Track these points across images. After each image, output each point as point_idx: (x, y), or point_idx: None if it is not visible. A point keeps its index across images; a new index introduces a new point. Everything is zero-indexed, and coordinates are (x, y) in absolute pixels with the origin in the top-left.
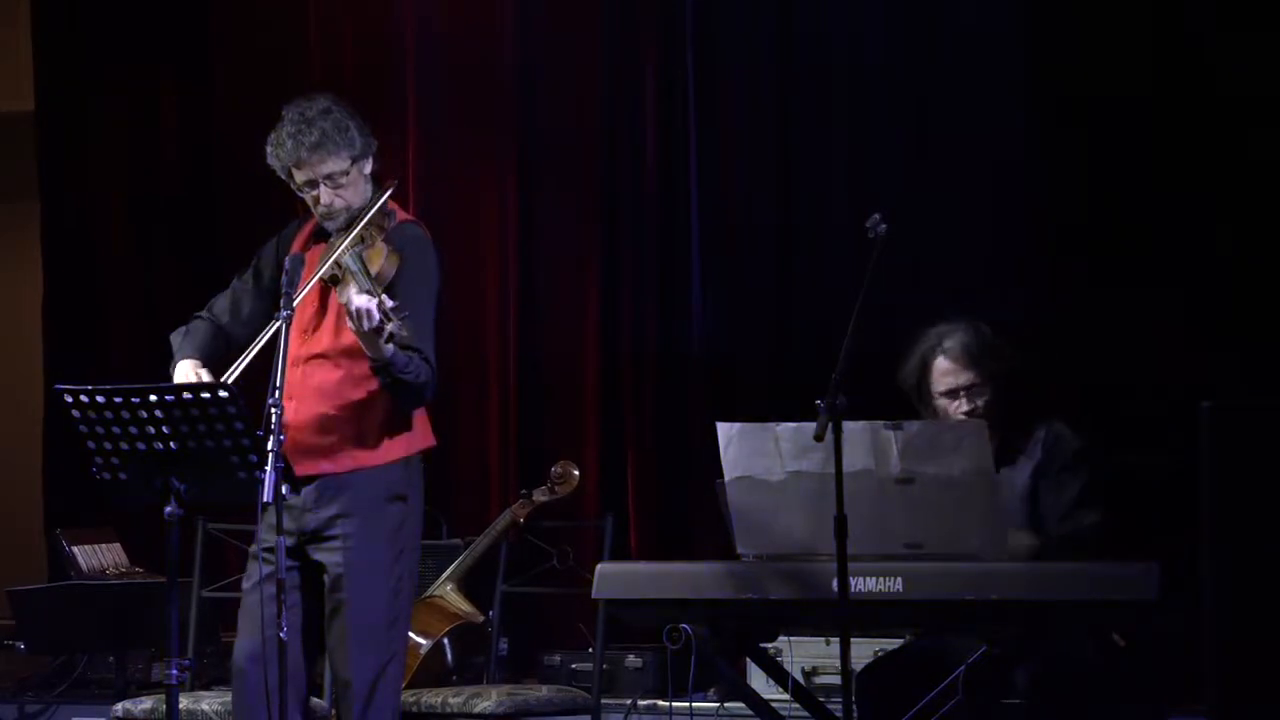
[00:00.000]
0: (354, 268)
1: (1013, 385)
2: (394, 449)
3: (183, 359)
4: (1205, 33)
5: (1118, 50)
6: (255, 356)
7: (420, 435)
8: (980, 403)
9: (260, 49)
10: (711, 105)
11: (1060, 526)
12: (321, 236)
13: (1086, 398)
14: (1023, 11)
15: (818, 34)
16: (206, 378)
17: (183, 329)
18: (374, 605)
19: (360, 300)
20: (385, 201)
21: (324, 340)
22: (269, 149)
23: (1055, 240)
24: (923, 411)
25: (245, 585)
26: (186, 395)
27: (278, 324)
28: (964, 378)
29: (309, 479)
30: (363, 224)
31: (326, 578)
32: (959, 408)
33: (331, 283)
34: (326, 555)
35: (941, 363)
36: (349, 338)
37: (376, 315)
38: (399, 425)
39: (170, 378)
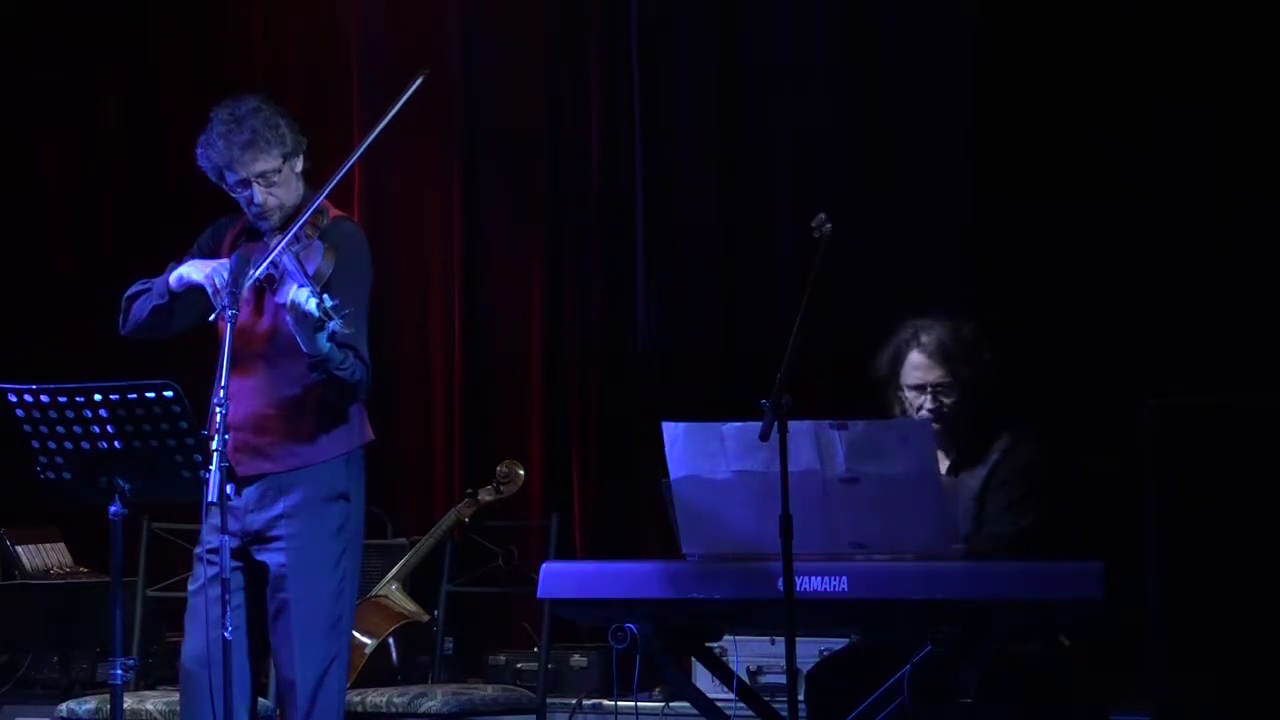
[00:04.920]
0: (290, 267)
1: (983, 390)
2: (334, 446)
3: (184, 264)
4: (1149, 33)
5: (1062, 49)
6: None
7: (359, 431)
8: (947, 401)
9: (204, 48)
10: (656, 106)
11: (991, 524)
12: (253, 235)
13: (1034, 397)
14: (967, 10)
15: (762, 33)
16: (226, 271)
17: (137, 284)
18: (317, 605)
19: (299, 296)
20: (319, 199)
21: (261, 339)
22: (200, 151)
23: (1002, 240)
24: (891, 401)
25: (191, 588)
26: (131, 395)
27: (229, 325)
28: (934, 374)
29: (251, 479)
30: (299, 223)
31: (270, 578)
32: (925, 404)
33: (268, 283)
34: (270, 556)
35: (915, 356)
36: (285, 337)
37: (316, 311)
38: (337, 422)
39: (129, 377)
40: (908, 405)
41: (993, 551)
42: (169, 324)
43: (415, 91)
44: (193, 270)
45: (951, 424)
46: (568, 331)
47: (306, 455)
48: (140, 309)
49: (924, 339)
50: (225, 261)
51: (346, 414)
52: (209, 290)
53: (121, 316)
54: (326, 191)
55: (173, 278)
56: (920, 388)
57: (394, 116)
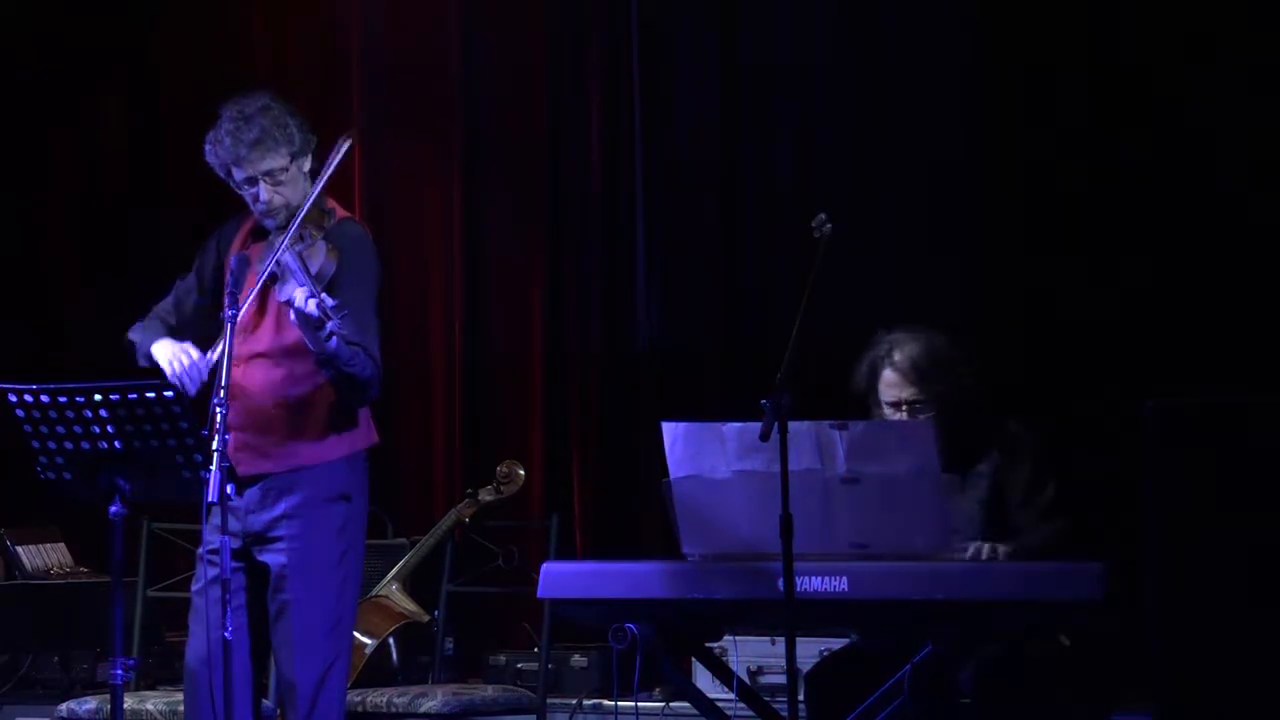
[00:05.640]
0: (293, 266)
1: (960, 403)
2: (337, 447)
3: (159, 340)
4: (1150, 33)
5: (1060, 51)
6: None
7: (364, 433)
8: (923, 417)
9: (204, 48)
10: (656, 105)
11: (1031, 537)
12: (261, 234)
13: (1033, 398)
14: (968, 10)
15: (762, 33)
16: (194, 351)
17: (140, 324)
18: (319, 606)
19: (298, 296)
20: (325, 199)
21: (265, 339)
22: (207, 147)
23: (1000, 240)
24: (873, 413)
25: (194, 588)
26: (131, 395)
27: (229, 325)
28: (908, 392)
29: (253, 479)
30: (299, 221)
31: (271, 578)
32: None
33: (272, 282)
34: (271, 556)
35: (888, 374)
36: (290, 336)
37: (315, 311)
38: (341, 423)
39: (129, 377)
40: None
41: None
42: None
43: (344, 156)
44: (160, 354)
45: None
46: (568, 331)
47: (308, 456)
48: (135, 356)
49: (896, 356)
50: (187, 346)
51: (353, 416)
52: (168, 375)
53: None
54: (307, 206)
55: (151, 350)
56: (895, 404)
57: (327, 180)
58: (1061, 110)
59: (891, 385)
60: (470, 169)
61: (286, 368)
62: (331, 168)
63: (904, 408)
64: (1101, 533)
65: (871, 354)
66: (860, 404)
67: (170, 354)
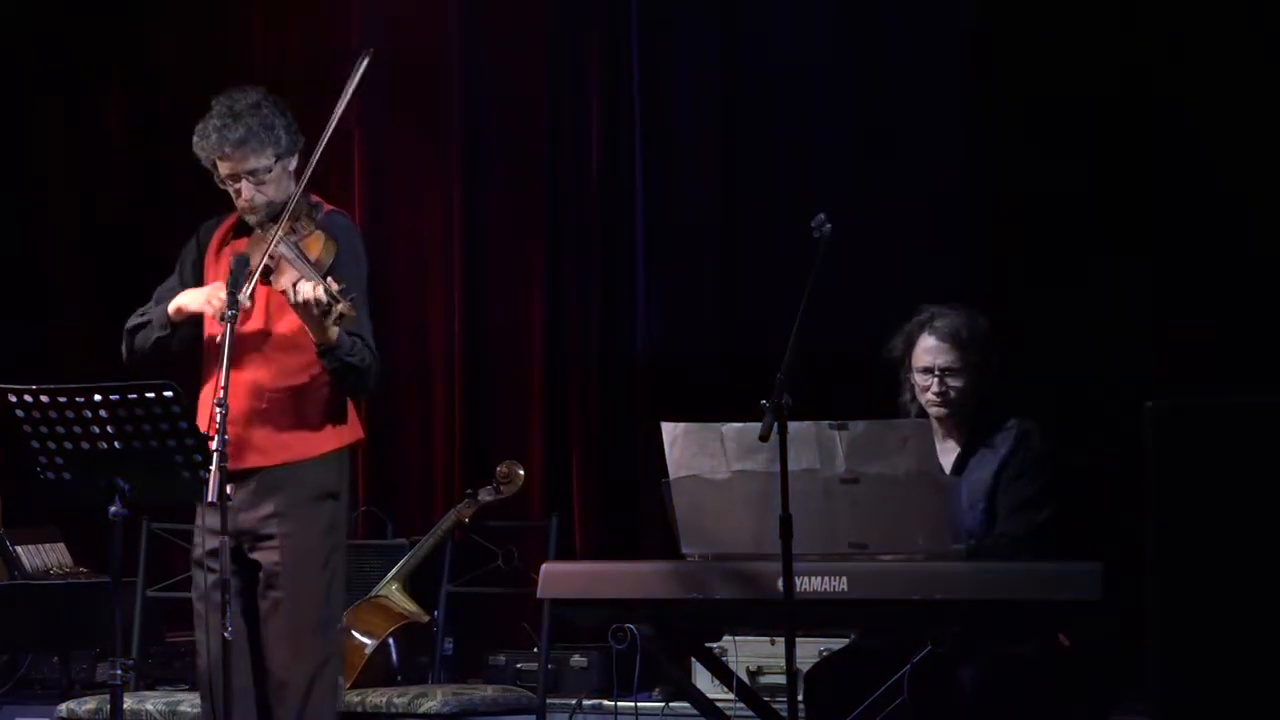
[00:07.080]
0: (291, 255)
1: (990, 380)
2: (326, 442)
3: (180, 294)
4: (1146, 33)
5: (1059, 50)
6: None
7: (352, 428)
8: (953, 385)
9: (204, 48)
10: (656, 106)
11: (1005, 524)
12: (243, 231)
13: (1034, 397)
14: (968, 10)
15: (762, 34)
16: (222, 292)
17: (140, 311)
18: (309, 604)
19: (305, 286)
20: (309, 193)
21: (256, 334)
22: (195, 139)
23: (999, 239)
24: (902, 381)
25: (194, 595)
26: (131, 395)
27: (228, 325)
28: (944, 359)
29: (241, 474)
30: (289, 214)
31: (262, 576)
32: (931, 387)
33: (263, 276)
34: (262, 555)
35: (927, 339)
36: (280, 330)
37: (324, 299)
38: (331, 418)
39: (125, 379)
40: (915, 388)
41: (1005, 551)
42: (169, 352)
43: (364, 72)
44: (189, 301)
45: (956, 411)
46: (568, 331)
47: (298, 449)
48: (143, 341)
49: (938, 323)
50: (218, 284)
51: (343, 411)
52: (210, 314)
53: (124, 348)
54: (304, 180)
55: (172, 309)
56: (928, 370)
57: (349, 100)
58: (1061, 110)
59: (929, 350)
60: (470, 169)
61: (277, 363)
62: (353, 85)
63: (937, 374)
64: (1100, 532)
65: (912, 321)
66: (853, 401)
67: (204, 294)
